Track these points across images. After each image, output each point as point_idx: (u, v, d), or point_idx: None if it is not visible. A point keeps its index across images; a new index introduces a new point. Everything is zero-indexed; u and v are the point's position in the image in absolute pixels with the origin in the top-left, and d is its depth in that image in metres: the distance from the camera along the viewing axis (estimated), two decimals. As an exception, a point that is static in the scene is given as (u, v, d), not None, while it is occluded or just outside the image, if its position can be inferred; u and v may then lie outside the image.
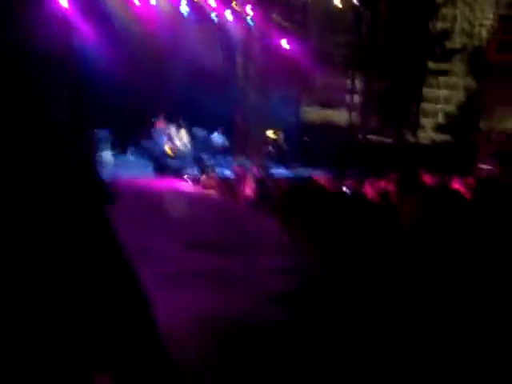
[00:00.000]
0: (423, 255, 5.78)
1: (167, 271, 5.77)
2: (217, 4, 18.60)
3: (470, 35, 29.95)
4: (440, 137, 26.57)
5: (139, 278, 4.37)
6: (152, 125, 18.95)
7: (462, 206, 6.93)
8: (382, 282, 5.60)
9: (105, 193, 4.42)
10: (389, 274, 5.72)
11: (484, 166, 18.30)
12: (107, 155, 17.60)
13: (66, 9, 15.55)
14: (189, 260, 6.36)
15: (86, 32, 16.58)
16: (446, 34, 25.18)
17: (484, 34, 30.04)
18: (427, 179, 10.09)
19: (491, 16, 29.79)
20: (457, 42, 28.08)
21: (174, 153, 17.86)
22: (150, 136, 18.94)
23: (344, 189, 10.37)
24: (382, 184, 10.53)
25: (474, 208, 6.97)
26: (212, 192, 13.37)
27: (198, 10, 19.18)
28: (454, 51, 25.71)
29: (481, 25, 30.70)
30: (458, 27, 29.29)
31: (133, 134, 19.22)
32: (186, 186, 14.60)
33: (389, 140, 22.69)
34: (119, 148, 19.00)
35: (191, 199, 12.18)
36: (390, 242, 6.27)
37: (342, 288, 5.67)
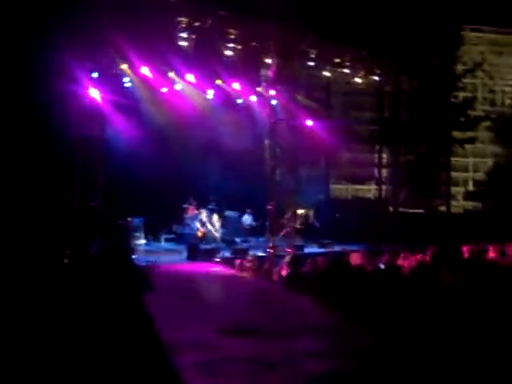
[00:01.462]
0: (463, 328, 5.63)
1: (203, 359, 5.69)
2: (241, 88, 19.18)
3: (492, 103, 30.24)
4: (471, 205, 26.40)
5: (174, 368, 4.32)
6: (183, 210, 19.22)
7: (499, 277, 6.79)
8: (424, 359, 5.43)
9: (142, 280, 4.50)
10: (429, 351, 5.56)
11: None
12: (141, 242, 17.85)
13: (98, 102, 16.21)
14: (224, 347, 6.27)
15: (118, 123, 17.22)
16: (469, 103, 25.44)
17: (506, 100, 30.30)
18: (465, 250, 9.94)
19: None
20: (479, 109, 28.34)
21: (206, 237, 18.01)
22: (182, 221, 19.19)
23: (380, 265, 10.24)
24: (419, 257, 10.40)
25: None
26: (246, 274, 13.32)
27: (225, 96, 19.78)
28: (478, 119, 25.90)
29: (503, 92, 31.02)
30: (479, 95, 29.64)
31: (165, 221, 19.51)
32: (219, 269, 14.59)
33: (420, 211, 22.57)
34: (152, 235, 19.26)
35: (224, 282, 12.14)
36: (430, 317, 6.13)
37: (385, 368, 5.51)
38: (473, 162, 27.97)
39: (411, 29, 21.81)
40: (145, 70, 16.92)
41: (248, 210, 19.24)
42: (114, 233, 15.29)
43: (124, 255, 4.49)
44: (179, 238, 19.02)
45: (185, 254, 16.56)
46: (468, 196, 26.61)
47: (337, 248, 18.06)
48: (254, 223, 19.26)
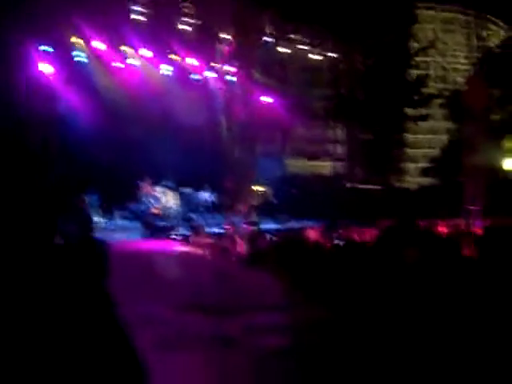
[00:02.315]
0: (419, 302, 5.72)
1: (162, 335, 5.66)
2: (197, 63, 18.94)
3: (444, 80, 30.72)
4: (426, 181, 26.91)
5: (135, 344, 4.26)
6: (138, 187, 18.96)
7: (451, 251, 6.94)
8: (379, 333, 5.51)
9: (104, 254, 4.42)
10: (385, 325, 5.64)
11: (472, 207, 18.41)
12: (96, 220, 17.55)
13: (49, 75, 15.76)
14: (182, 323, 6.24)
15: (70, 97, 16.81)
16: (422, 81, 25.77)
17: (458, 77, 30.82)
18: (420, 225, 10.11)
19: (463, 60, 30.66)
20: (432, 87, 28.76)
21: (162, 214, 17.80)
22: (137, 199, 18.94)
23: (337, 241, 10.35)
24: (375, 232, 10.54)
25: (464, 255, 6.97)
26: (203, 251, 13.26)
27: (179, 71, 19.51)
28: (431, 96, 26.29)
29: (454, 69, 31.53)
30: (432, 73, 30.06)
31: (120, 198, 19.22)
32: (175, 246, 14.49)
33: (375, 187, 22.87)
34: (107, 212, 18.96)
35: (182, 260, 12.06)
36: (386, 290, 6.21)
37: (341, 342, 5.58)
38: (427, 139, 28.42)
39: (365, 6, 21.85)
40: (97, 44, 16.49)
41: (205, 186, 19.10)
42: (70, 211, 14.97)
43: (87, 233, 4.41)
44: (134, 215, 18.78)
45: (140, 232, 16.37)
46: (423, 172, 27.07)
47: (294, 224, 18.18)
48: (210, 199, 19.14)
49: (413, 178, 26.48)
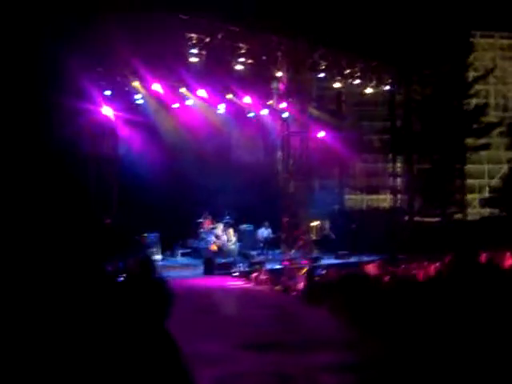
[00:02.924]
0: (480, 338, 5.58)
1: (222, 374, 5.70)
2: (253, 101, 19.28)
3: (505, 108, 30.04)
4: (488, 211, 26.18)
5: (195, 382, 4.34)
6: (199, 224, 19.28)
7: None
8: (442, 370, 5.40)
9: (166, 293, 4.53)
10: (449, 361, 5.52)
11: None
12: (157, 257, 17.91)
13: (111, 119, 16.38)
14: (243, 361, 6.27)
15: (132, 139, 17.40)
16: (481, 110, 25.30)
17: (519, 105, 30.08)
18: (482, 258, 9.85)
19: (525, 87, 29.95)
20: (492, 115, 28.17)
21: (222, 251, 18.04)
22: (197, 236, 19.24)
23: (395, 275, 10.21)
24: (436, 266, 10.34)
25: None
26: (263, 288, 13.31)
27: (236, 110, 19.91)
28: (491, 125, 25.73)
29: (515, 97, 30.80)
30: (492, 101, 29.47)
31: (181, 235, 19.58)
32: (236, 283, 14.59)
33: (436, 219, 22.41)
34: (168, 250, 19.33)
35: (242, 296, 12.14)
36: (449, 326, 6.09)
37: (402, 380, 5.49)
38: (488, 169, 27.74)
39: (420, 37, 21.78)
40: (156, 87, 17.06)
41: (265, 223, 19.22)
42: (131, 250, 15.35)
43: (149, 272, 4.53)
44: (195, 253, 19.07)
45: (201, 269, 16.59)
46: (484, 202, 26.37)
47: (353, 259, 18.01)
48: (271, 236, 19.23)
49: (473, 209, 25.83)
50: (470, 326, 5.91)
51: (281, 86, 18.51)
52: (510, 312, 6.02)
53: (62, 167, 14.22)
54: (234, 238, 18.93)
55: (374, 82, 20.14)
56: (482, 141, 24.76)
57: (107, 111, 16.16)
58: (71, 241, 11.25)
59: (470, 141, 23.99)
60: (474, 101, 25.95)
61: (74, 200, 14.49)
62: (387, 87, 20.73)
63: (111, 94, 16.20)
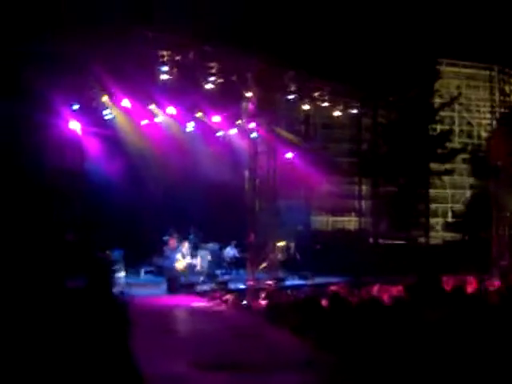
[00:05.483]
0: (443, 358, 5.64)
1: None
2: (222, 121, 19.34)
3: (469, 135, 30.73)
4: (450, 235, 26.64)
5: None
6: (164, 243, 19.12)
7: (481, 310, 6.85)
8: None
9: (122, 315, 4.46)
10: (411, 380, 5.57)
11: (500, 263, 18.16)
12: (121, 275, 17.65)
13: (78, 133, 16.25)
14: (204, 381, 6.20)
15: (98, 154, 17.25)
16: (446, 136, 25.86)
17: (482, 132, 30.83)
18: (446, 282, 10.00)
19: (487, 115, 30.72)
20: (457, 142, 28.79)
21: (186, 269, 17.86)
22: (162, 254, 19.06)
23: (359, 297, 10.26)
24: (399, 289, 10.45)
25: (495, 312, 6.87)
26: (226, 307, 13.24)
27: (204, 128, 19.94)
28: (455, 151, 26.31)
29: (479, 124, 31.57)
30: (457, 128, 30.12)
31: (145, 253, 19.37)
32: (199, 302, 14.47)
33: (400, 242, 22.69)
34: (132, 267, 19.08)
35: (204, 316, 12.05)
36: (413, 347, 6.13)
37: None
38: (451, 194, 28.27)
39: (388, 62, 22.21)
40: (126, 103, 16.98)
41: (232, 242, 19.12)
42: (93, 267, 15.11)
43: (105, 290, 4.45)
44: (159, 271, 18.87)
45: (164, 287, 16.40)
46: (447, 227, 26.84)
47: (318, 280, 18.05)
48: (237, 255, 19.16)
49: (436, 233, 26.26)
50: (436, 348, 5.97)
51: (250, 106, 18.60)
52: (471, 334, 6.09)
53: (26, 179, 14.01)
54: (199, 257, 18.80)
55: (341, 106, 20.38)
56: (446, 166, 25.30)
57: (74, 125, 16.01)
58: (31, 254, 11.05)
59: (434, 166, 24.47)
60: (439, 127, 26.55)
61: (36, 213, 14.26)
62: (354, 111, 20.99)
63: (79, 108, 16.08)
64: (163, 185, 18.82)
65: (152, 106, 18.23)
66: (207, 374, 6.37)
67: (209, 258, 18.74)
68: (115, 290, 13.18)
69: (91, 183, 16.23)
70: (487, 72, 30.88)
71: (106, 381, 4.02)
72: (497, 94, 29.53)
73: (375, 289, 12.03)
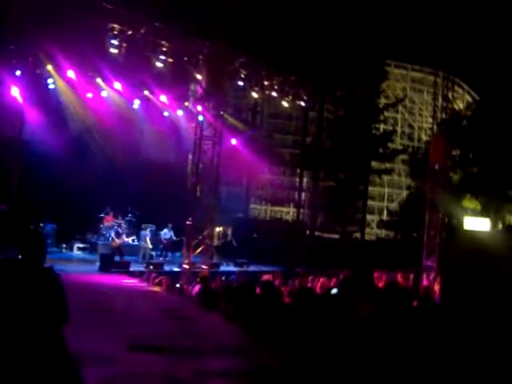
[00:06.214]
0: (375, 354, 5.78)
1: (108, 374, 5.56)
2: (169, 102, 19.09)
3: (410, 137, 31.60)
4: (384, 233, 27.41)
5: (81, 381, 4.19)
6: (100, 220, 18.78)
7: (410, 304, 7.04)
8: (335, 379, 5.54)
9: (57, 288, 4.34)
10: (342, 374, 5.68)
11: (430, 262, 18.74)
12: (52, 250, 17.25)
13: (18, 100, 15.73)
14: (131, 362, 6.15)
15: (38, 123, 16.72)
16: (388, 136, 26.48)
17: (423, 135, 31.73)
18: (377, 278, 10.23)
19: (429, 119, 31.63)
20: (398, 143, 29.55)
21: (120, 248, 17.57)
22: (97, 231, 18.73)
23: (293, 285, 10.39)
24: (333, 281, 10.62)
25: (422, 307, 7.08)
26: (159, 289, 13.14)
27: (151, 107, 19.62)
28: (396, 152, 26.99)
29: (420, 127, 32.47)
30: (399, 129, 30.89)
31: (80, 229, 18.98)
32: (132, 282, 14.30)
33: (335, 236, 23.14)
34: (65, 243, 18.68)
35: (136, 296, 11.92)
36: (343, 340, 6.25)
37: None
38: (388, 192, 29.03)
39: (339, 59, 22.49)
40: (71, 74, 16.53)
41: (169, 225, 18.90)
42: (25, 239, 14.68)
43: (37, 263, 4.32)
44: (93, 248, 18.54)
45: (97, 265, 16.10)
46: (381, 224, 27.56)
47: (252, 268, 18.19)
48: (173, 238, 18.95)
49: (371, 230, 26.95)
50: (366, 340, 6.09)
51: (199, 89, 18.48)
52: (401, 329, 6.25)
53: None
54: (134, 236, 18.58)
55: (290, 97, 20.50)
56: (386, 165, 25.93)
57: (15, 92, 15.48)
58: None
59: (374, 164, 25.03)
60: (382, 126, 27.16)
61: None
62: (302, 103, 21.17)
63: (21, 75, 15.55)
64: (104, 161, 18.44)
65: (98, 80, 17.80)
66: (140, 355, 6.32)
67: (148, 239, 18.52)
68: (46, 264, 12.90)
69: (30, 153, 15.73)
70: (432, 77, 31.77)
71: (37, 360, 3.91)
72: (440, 99, 30.42)
73: (309, 279, 12.17)
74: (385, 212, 28.75)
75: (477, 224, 22.47)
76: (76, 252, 18.62)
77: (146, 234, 18.31)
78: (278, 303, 8.38)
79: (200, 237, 17.43)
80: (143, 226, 18.97)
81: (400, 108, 30.39)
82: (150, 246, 18.17)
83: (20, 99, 15.77)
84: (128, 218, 18.89)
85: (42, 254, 4.40)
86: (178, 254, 18.81)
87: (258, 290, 9.37)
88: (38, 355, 3.83)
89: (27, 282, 4.09)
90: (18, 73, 15.45)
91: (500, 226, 24.39)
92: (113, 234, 17.99)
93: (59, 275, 4.41)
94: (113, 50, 15.88)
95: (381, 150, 25.17)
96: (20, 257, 4.40)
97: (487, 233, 21.76)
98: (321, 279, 11.24)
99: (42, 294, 4.05)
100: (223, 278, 13.55)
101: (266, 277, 11.09)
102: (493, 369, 4.77)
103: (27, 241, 4.30)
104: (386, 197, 29.22)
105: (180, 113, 19.93)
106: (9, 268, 4.39)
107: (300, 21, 22.40)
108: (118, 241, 17.61)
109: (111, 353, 6.19)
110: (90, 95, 18.31)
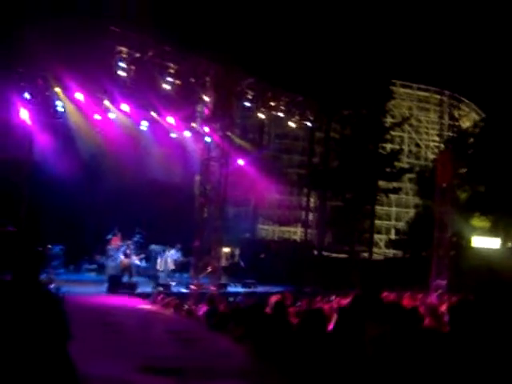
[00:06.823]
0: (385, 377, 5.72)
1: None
2: (176, 123, 19.18)
3: (417, 156, 31.60)
4: (392, 252, 27.28)
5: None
6: (108, 241, 18.79)
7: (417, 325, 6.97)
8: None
9: (57, 311, 4.29)
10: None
11: (438, 282, 18.63)
12: (60, 271, 17.26)
13: (27, 123, 15.86)
14: (140, 384, 6.11)
15: (46, 145, 16.82)
16: (395, 155, 26.49)
17: (429, 154, 31.73)
18: (385, 297, 10.16)
19: (435, 138, 31.66)
20: (405, 162, 29.55)
21: (129, 270, 17.55)
22: (105, 252, 18.74)
23: (300, 307, 10.33)
24: (342, 302, 10.56)
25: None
26: (167, 311, 13.09)
27: (158, 128, 19.71)
28: (403, 171, 26.97)
29: (427, 146, 32.48)
30: (406, 148, 30.91)
31: (88, 250, 19.01)
32: (140, 304, 14.24)
33: (343, 256, 23.04)
34: (73, 264, 18.69)
35: (144, 318, 11.87)
36: (353, 364, 6.20)
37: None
38: (395, 212, 28.95)
39: (345, 79, 22.60)
40: (79, 96, 16.66)
41: (177, 246, 18.88)
42: (31, 260, 14.70)
43: (31, 283, 4.29)
44: (101, 269, 18.54)
45: (105, 286, 16.08)
46: (389, 244, 27.46)
47: (260, 288, 18.11)
48: (181, 259, 18.93)
49: (379, 249, 26.84)
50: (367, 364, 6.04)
51: (206, 110, 18.56)
52: (410, 348, 6.19)
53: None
54: (142, 258, 18.55)
55: (296, 117, 20.57)
56: (394, 184, 25.89)
57: (24, 114, 15.61)
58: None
59: (381, 183, 25.01)
60: (389, 146, 27.18)
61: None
62: (309, 123, 21.23)
63: (31, 98, 15.68)
64: (112, 182, 18.50)
65: (106, 102, 17.93)
66: (148, 377, 6.28)
67: (151, 259, 18.49)
68: (53, 285, 12.89)
69: (39, 174, 15.80)
70: (438, 96, 31.88)
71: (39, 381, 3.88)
72: (446, 117, 30.52)
73: (317, 300, 12.11)
74: (392, 231, 28.65)
75: (486, 242, 22.38)
76: (84, 273, 18.63)
77: (168, 255, 18.36)
78: (288, 325, 8.33)
79: (207, 257, 17.39)
80: (152, 246, 18.96)
81: (406, 127, 30.45)
82: (173, 267, 18.22)
83: (29, 122, 15.90)
84: (136, 239, 18.89)
85: (35, 269, 4.40)
86: (185, 275, 18.75)
87: (267, 311, 9.32)
88: (44, 373, 3.81)
89: (20, 301, 4.06)
90: (27, 95, 15.58)
91: (510, 244, 24.26)
92: (121, 255, 17.98)
93: (58, 295, 4.40)
94: (121, 73, 16.02)
95: (388, 170, 25.16)
96: (13, 275, 4.39)
97: (497, 251, 21.66)
98: (329, 300, 11.16)
99: (36, 313, 4.02)
100: (231, 299, 13.50)
101: (274, 297, 11.02)
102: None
103: (22, 258, 4.29)
104: (393, 216, 29.13)
105: (187, 134, 20.00)
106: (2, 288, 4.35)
107: (306, 41, 22.58)
108: (125, 262, 17.60)
109: (120, 375, 6.15)
110: (98, 117, 18.43)
